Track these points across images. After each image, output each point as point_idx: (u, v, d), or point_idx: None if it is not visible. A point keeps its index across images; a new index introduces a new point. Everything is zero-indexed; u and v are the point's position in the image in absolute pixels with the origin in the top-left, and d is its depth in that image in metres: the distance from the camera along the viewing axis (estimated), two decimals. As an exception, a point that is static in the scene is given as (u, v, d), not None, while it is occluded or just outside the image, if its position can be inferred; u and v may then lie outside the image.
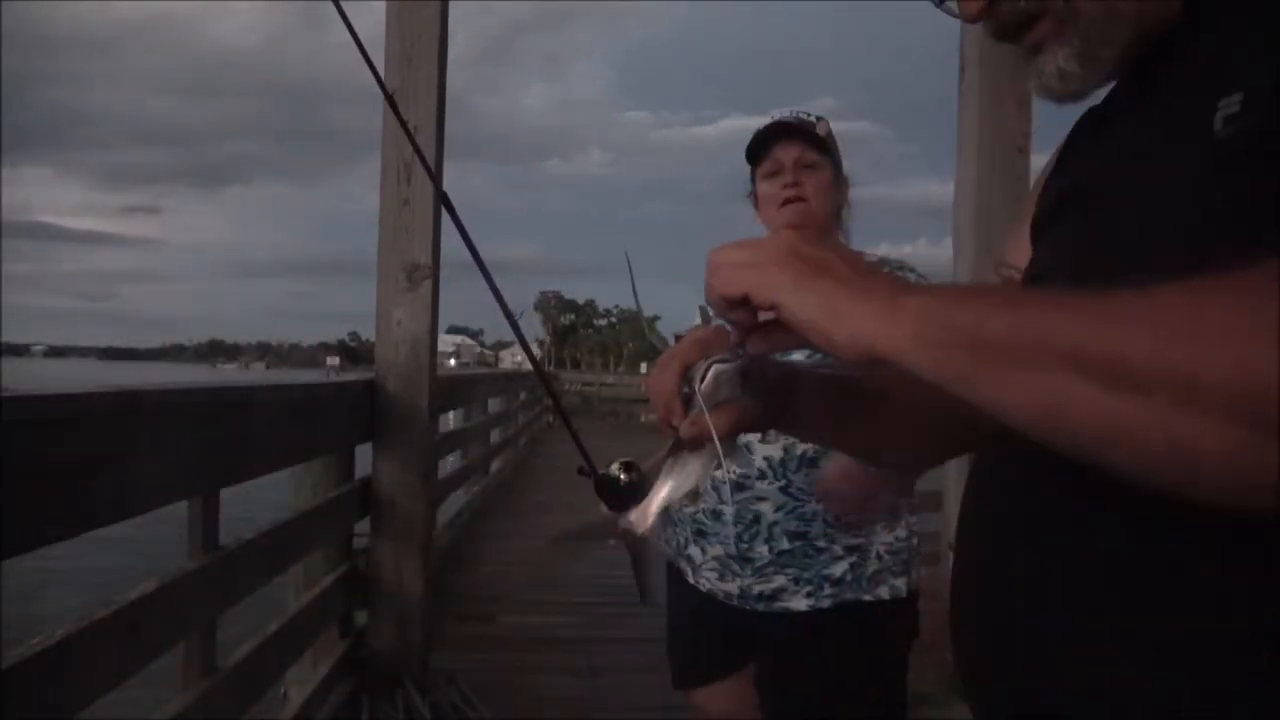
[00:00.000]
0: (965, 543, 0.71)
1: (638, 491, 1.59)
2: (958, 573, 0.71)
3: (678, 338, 0.77)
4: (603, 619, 4.29)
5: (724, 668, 1.71)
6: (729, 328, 0.66)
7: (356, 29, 0.84)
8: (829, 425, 0.82)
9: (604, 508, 0.76)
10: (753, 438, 1.55)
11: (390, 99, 1.09)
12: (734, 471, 1.56)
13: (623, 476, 1.59)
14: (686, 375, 0.67)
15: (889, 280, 0.58)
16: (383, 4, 3.07)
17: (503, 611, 4.50)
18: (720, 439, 0.66)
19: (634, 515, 0.72)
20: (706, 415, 0.65)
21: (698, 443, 0.67)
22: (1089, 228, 0.66)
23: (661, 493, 0.71)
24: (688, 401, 0.67)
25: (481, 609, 4.51)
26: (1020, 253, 0.81)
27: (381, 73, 3.01)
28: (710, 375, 0.65)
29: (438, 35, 3.09)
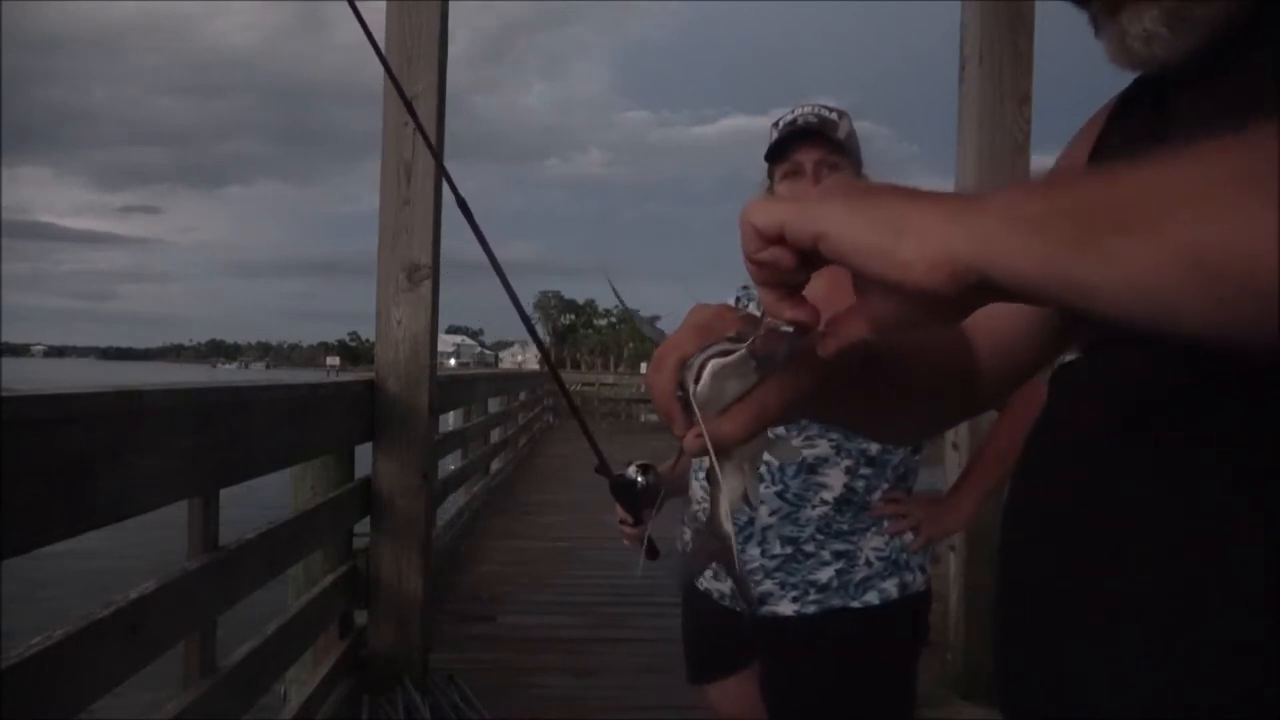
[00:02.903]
0: (1012, 562, 0.66)
1: (653, 493, 1.53)
2: (1005, 594, 0.65)
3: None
4: (602, 619, 4.28)
5: (730, 666, 1.72)
6: (743, 302, 0.55)
7: (357, 28, 0.84)
8: (860, 402, 0.67)
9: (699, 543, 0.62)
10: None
11: (406, 100, 1.08)
12: (781, 463, 1.50)
13: (639, 479, 1.57)
14: (681, 375, 0.52)
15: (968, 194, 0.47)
16: (382, 4, 3.07)
17: (503, 611, 4.50)
18: (738, 446, 0.53)
19: (713, 533, 0.59)
20: (703, 426, 0.51)
21: (709, 453, 0.53)
22: None
23: (724, 503, 0.57)
24: (687, 405, 0.52)
25: (481, 609, 4.51)
26: None
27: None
28: (706, 374, 0.50)
29: (438, 35, 3.10)
